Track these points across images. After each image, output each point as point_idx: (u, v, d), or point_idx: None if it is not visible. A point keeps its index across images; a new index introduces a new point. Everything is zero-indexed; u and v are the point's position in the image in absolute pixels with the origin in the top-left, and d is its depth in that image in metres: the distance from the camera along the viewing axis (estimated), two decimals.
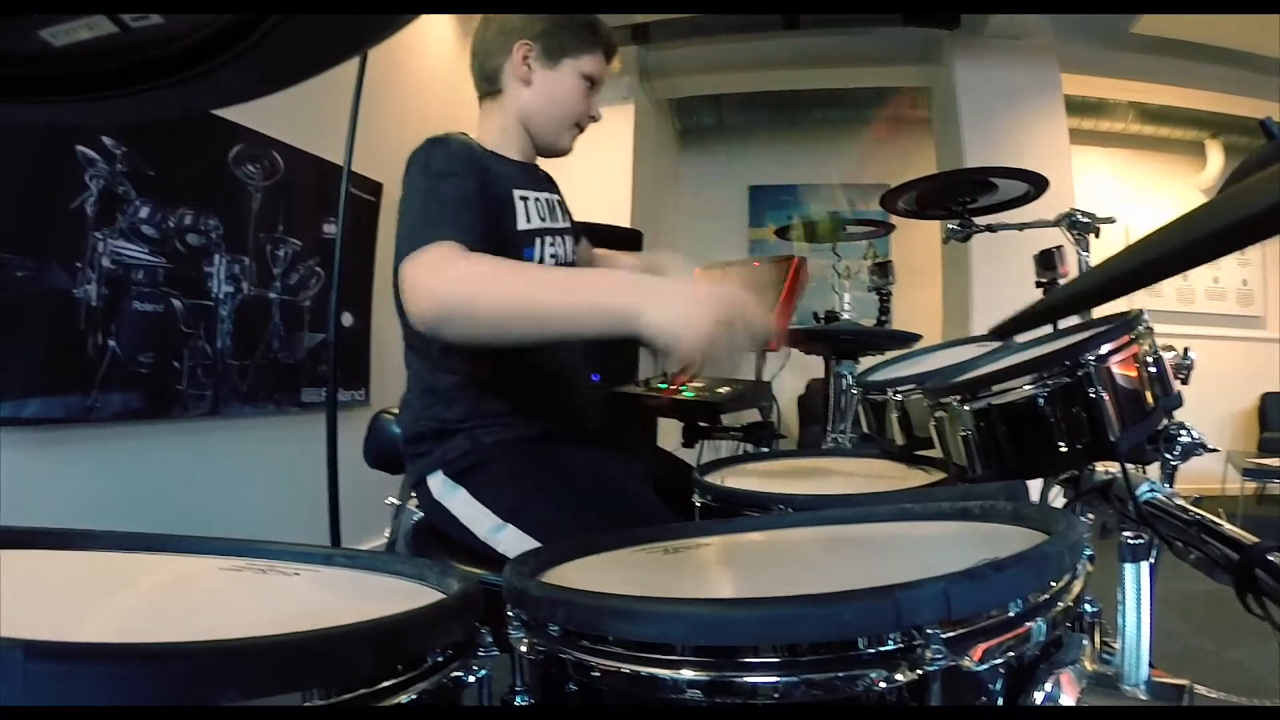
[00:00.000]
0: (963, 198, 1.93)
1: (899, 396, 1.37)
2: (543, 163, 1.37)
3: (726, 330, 0.85)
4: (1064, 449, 0.95)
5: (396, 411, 1.37)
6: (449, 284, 0.95)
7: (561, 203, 1.37)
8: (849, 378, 2.43)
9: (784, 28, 4.61)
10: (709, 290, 0.87)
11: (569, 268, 1.29)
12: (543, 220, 1.26)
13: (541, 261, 1.24)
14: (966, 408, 1.02)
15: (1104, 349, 0.94)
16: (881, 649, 0.48)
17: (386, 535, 1.48)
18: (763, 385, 2.83)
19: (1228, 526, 0.83)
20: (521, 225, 1.22)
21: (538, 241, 1.24)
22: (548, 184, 1.36)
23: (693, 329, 0.84)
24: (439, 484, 1.17)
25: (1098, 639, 0.60)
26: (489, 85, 1.30)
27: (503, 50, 1.26)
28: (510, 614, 0.60)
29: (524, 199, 1.24)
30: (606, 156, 4.65)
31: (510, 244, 1.19)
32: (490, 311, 0.94)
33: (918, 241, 5.14)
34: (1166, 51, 4.44)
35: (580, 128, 1.32)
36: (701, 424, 2.50)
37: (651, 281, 0.94)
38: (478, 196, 1.10)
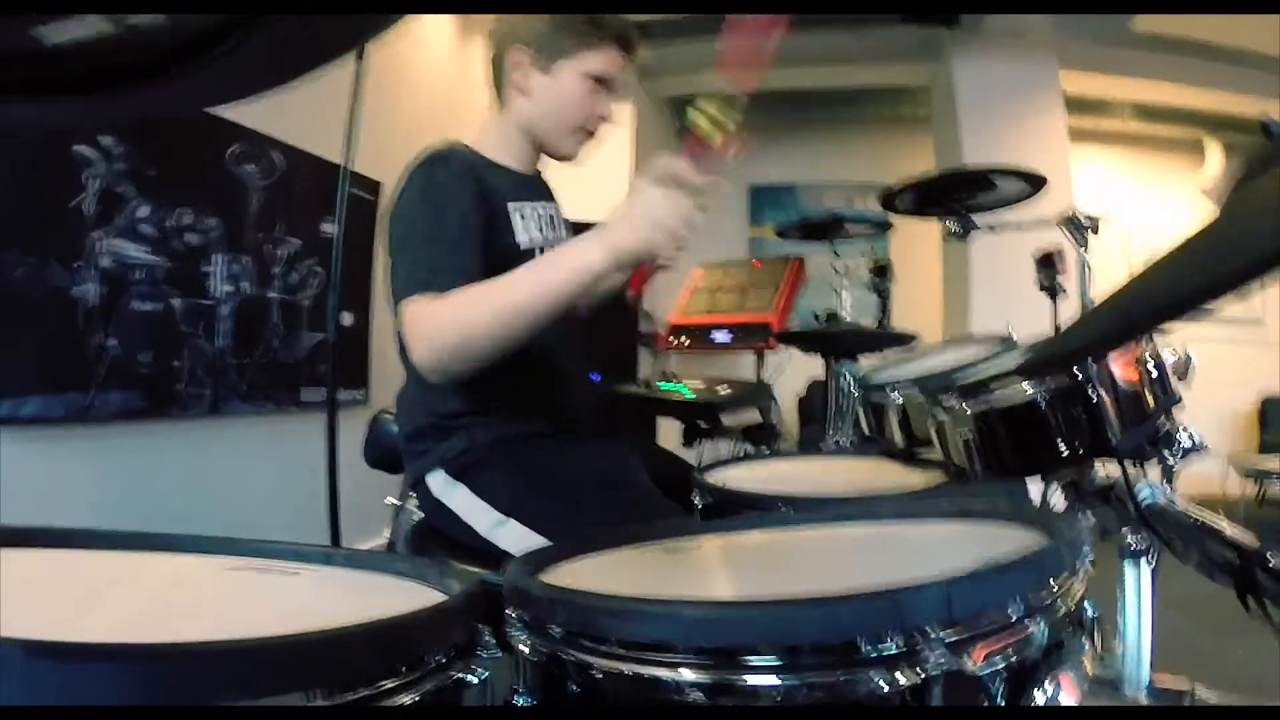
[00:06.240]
0: (962, 196, 1.93)
1: (899, 397, 1.36)
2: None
3: (673, 194, 0.96)
4: (1064, 450, 0.95)
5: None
6: (439, 336, 1.01)
7: (558, 213, 1.34)
8: (849, 378, 2.43)
9: None
10: (643, 184, 0.98)
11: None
12: (541, 232, 1.25)
13: None
14: (967, 409, 1.02)
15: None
16: (883, 651, 0.48)
17: (386, 535, 1.48)
18: (763, 386, 2.83)
19: (1228, 528, 0.82)
20: (521, 240, 1.21)
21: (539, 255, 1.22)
22: (545, 194, 1.34)
23: (649, 218, 0.95)
24: (439, 482, 1.17)
25: (1099, 641, 0.60)
26: (497, 93, 1.28)
27: (500, 62, 1.24)
28: (511, 614, 0.59)
29: (520, 212, 1.22)
30: (606, 156, 4.63)
31: (513, 262, 1.17)
32: (485, 336, 0.99)
33: (918, 241, 5.12)
34: (1166, 50, 4.43)
35: (589, 132, 1.25)
36: (701, 424, 2.50)
37: (604, 223, 1.00)
38: (477, 216, 1.12)
